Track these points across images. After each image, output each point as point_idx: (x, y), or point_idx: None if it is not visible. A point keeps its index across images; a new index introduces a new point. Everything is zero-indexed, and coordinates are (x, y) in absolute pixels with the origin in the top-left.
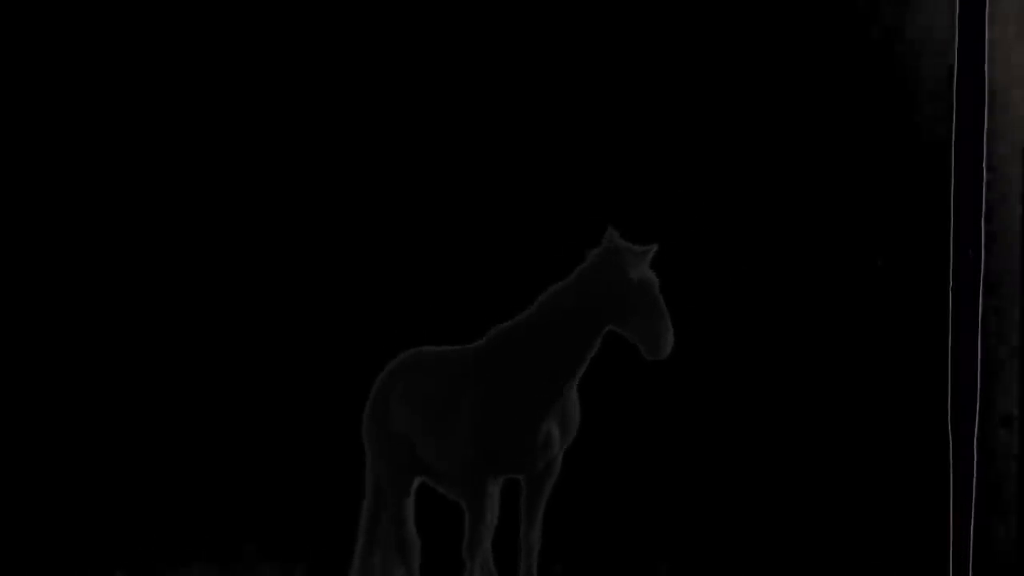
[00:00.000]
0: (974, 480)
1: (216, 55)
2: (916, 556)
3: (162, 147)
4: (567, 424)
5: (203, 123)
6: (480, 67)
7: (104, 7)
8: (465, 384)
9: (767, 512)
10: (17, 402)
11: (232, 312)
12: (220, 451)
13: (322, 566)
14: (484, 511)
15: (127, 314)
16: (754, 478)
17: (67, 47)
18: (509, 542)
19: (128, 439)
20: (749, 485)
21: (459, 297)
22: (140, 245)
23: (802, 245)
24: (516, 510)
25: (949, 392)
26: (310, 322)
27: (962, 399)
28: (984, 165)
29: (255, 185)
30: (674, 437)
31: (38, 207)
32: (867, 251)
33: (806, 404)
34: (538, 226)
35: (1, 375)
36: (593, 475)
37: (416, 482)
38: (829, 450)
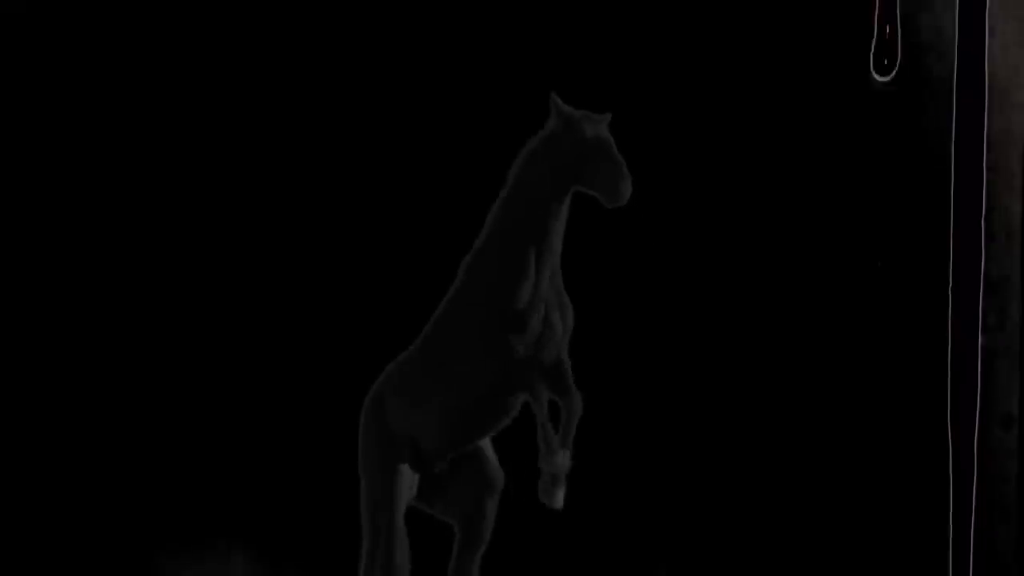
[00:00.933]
0: (974, 480)
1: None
2: (916, 556)
3: (156, 146)
4: (564, 313)
5: (200, 122)
6: (481, 67)
7: (104, 6)
8: (454, 323)
9: (766, 513)
10: (6, 402)
11: (227, 313)
12: (215, 453)
13: (319, 568)
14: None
15: (119, 315)
16: (753, 478)
17: (67, 46)
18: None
19: (122, 441)
20: (748, 485)
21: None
22: (137, 244)
23: (802, 245)
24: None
25: (949, 392)
26: (307, 325)
27: (962, 399)
28: (984, 165)
29: (252, 185)
30: (672, 438)
31: (37, 206)
32: (867, 252)
33: (806, 404)
34: None
35: None
36: (590, 476)
37: (408, 500)
38: (829, 450)
